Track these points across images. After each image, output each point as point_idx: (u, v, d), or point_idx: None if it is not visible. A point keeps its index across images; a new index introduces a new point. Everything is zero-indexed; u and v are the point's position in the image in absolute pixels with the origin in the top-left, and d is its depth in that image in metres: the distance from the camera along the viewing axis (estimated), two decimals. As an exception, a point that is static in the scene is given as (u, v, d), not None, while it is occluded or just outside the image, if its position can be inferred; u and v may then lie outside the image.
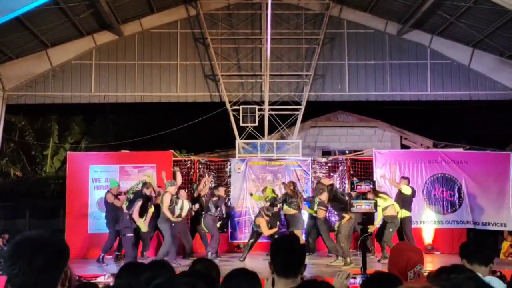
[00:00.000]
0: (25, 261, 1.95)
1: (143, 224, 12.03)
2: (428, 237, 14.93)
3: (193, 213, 13.57)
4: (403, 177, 13.68)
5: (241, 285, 3.14)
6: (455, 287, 2.06)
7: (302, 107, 16.25)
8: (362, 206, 8.62)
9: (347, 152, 18.35)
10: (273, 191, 13.99)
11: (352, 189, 10.08)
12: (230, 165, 15.54)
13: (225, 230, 15.17)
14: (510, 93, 16.43)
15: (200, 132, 20.13)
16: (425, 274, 3.66)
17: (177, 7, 16.69)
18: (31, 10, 12.60)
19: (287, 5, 16.73)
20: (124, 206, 12.01)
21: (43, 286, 1.96)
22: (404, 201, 13.07)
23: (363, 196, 9.95)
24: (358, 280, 3.43)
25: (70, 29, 15.54)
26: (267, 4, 15.03)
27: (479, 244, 4.11)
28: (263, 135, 16.12)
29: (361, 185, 9.59)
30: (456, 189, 14.80)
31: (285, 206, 13.07)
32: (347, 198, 12.29)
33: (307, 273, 3.54)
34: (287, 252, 3.40)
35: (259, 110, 15.96)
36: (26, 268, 1.95)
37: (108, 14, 14.87)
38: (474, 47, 16.32)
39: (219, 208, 13.13)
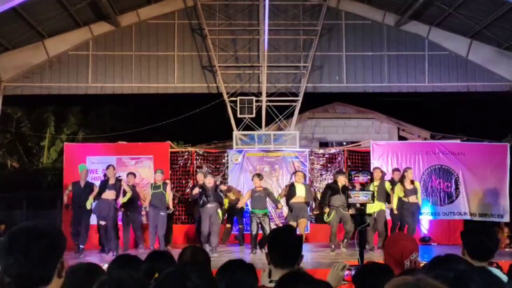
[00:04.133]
0: (21, 252, 1.95)
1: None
2: (425, 228, 14.99)
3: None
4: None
5: (237, 277, 3.12)
6: (459, 279, 2.04)
7: (300, 98, 16.22)
8: (359, 197, 8.60)
9: (344, 143, 18.34)
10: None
11: (350, 180, 10.07)
12: (227, 156, 15.55)
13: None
14: (508, 85, 16.43)
15: (198, 124, 20.12)
16: (422, 264, 3.66)
17: (174, -2, 16.64)
18: (27, 1, 12.55)
19: (284, -4, 16.67)
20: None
21: (39, 276, 1.95)
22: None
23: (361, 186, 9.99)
24: (354, 271, 3.43)
25: (66, 20, 15.46)
26: (264, -6, 15.00)
27: (485, 238, 4.06)
28: (260, 127, 16.11)
29: (358, 176, 9.58)
30: (453, 181, 14.83)
31: None
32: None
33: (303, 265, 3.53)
34: (284, 243, 3.40)
35: (257, 101, 15.93)
36: (22, 258, 1.94)
37: (105, 5, 14.81)
38: (472, 38, 16.29)
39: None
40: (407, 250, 3.52)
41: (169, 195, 13.19)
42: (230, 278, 3.06)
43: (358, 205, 8.86)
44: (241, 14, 16.68)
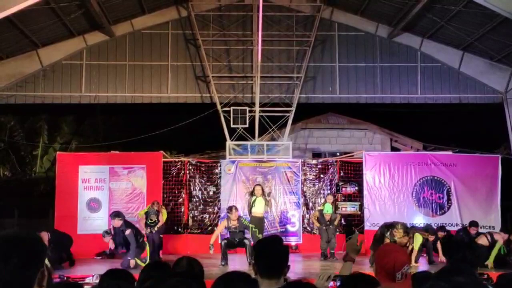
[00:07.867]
0: (1, 259, 1.93)
1: None
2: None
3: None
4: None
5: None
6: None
7: (293, 108, 16.26)
8: (347, 207, 8.66)
9: (337, 154, 18.38)
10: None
11: (338, 190, 10.13)
12: (220, 166, 15.54)
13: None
14: (499, 96, 16.53)
15: (191, 133, 20.10)
16: (410, 273, 3.66)
17: (168, 8, 16.68)
18: (22, 10, 12.55)
19: (278, 7, 16.75)
20: None
21: (19, 285, 1.95)
22: None
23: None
24: (339, 282, 3.43)
25: (60, 29, 15.49)
26: (258, 5, 15.05)
27: (467, 252, 4.06)
28: (253, 137, 16.11)
29: (346, 187, 9.64)
30: (445, 192, 14.88)
31: None
32: None
33: (293, 274, 3.52)
34: (270, 254, 3.40)
35: (250, 111, 15.95)
36: (2, 266, 1.93)
37: (99, 15, 14.84)
38: (464, 50, 16.40)
39: None
40: (400, 262, 3.50)
41: None
42: None
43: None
44: (234, 25, 16.74)
